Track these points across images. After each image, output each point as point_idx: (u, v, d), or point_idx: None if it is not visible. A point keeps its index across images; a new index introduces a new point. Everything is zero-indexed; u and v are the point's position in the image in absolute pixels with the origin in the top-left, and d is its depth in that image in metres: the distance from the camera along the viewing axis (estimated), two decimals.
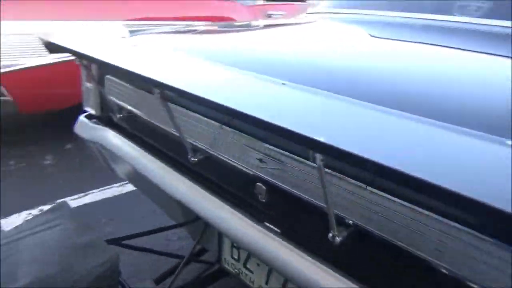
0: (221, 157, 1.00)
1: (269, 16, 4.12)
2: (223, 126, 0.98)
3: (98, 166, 1.61)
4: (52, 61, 2.81)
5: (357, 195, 0.74)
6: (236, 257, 1.13)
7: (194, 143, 1.06)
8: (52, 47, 1.20)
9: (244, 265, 1.11)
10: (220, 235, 1.15)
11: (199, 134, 1.05)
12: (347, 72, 1.00)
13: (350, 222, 0.76)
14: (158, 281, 1.25)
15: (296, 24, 1.92)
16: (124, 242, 1.20)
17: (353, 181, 0.75)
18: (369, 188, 0.73)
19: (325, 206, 0.72)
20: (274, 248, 0.88)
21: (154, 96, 0.93)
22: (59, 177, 2.64)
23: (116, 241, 1.17)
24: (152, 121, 1.22)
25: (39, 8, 2.83)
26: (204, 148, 1.04)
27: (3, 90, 2.72)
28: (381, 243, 0.72)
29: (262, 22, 2.28)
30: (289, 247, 0.86)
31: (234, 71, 0.94)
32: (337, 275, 0.77)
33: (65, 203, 1.19)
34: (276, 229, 0.91)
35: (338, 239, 0.74)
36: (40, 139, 3.16)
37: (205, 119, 1.02)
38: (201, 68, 1.00)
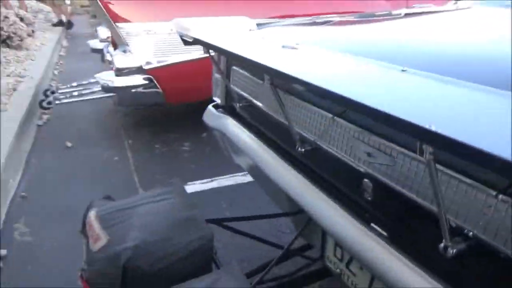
0: (329, 149, 0.95)
1: (412, 7, 3.81)
2: (335, 118, 0.93)
3: (225, 155, 1.70)
4: (196, 57, 3.10)
5: (483, 203, 0.61)
6: (339, 256, 1.06)
7: (302, 133, 1.03)
8: (187, 41, 1.31)
9: (347, 266, 1.03)
10: (324, 231, 1.10)
11: (308, 124, 1.01)
12: (491, 61, 0.84)
13: (470, 233, 0.63)
14: (250, 274, 1.22)
15: (439, 12, 1.73)
16: (225, 223, 1.24)
17: (479, 185, 0.62)
18: (501, 196, 0.59)
19: (438, 211, 0.62)
20: (378, 253, 0.80)
21: (264, 83, 0.93)
22: (193, 162, 2.90)
23: (216, 221, 1.21)
24: (266, 110, 1.23)
25: (187, 9, 3.15)
26: (311, 138, 1.01)
27: (156, 82, 3.12)
28: (507, 264, 0.58)
29: (402, 11, 2.10)
30: (396, 254, 0.77)
31: (356, 59, 0.88)
32: None
33: (179, 181, 1.29)
34: (382, 232, 0.82)
35: (451, 251, 0.62)
36: (182, 127, 3.52)
37: (316, 108, 0.98)
38: (319, 57, 0.96)
